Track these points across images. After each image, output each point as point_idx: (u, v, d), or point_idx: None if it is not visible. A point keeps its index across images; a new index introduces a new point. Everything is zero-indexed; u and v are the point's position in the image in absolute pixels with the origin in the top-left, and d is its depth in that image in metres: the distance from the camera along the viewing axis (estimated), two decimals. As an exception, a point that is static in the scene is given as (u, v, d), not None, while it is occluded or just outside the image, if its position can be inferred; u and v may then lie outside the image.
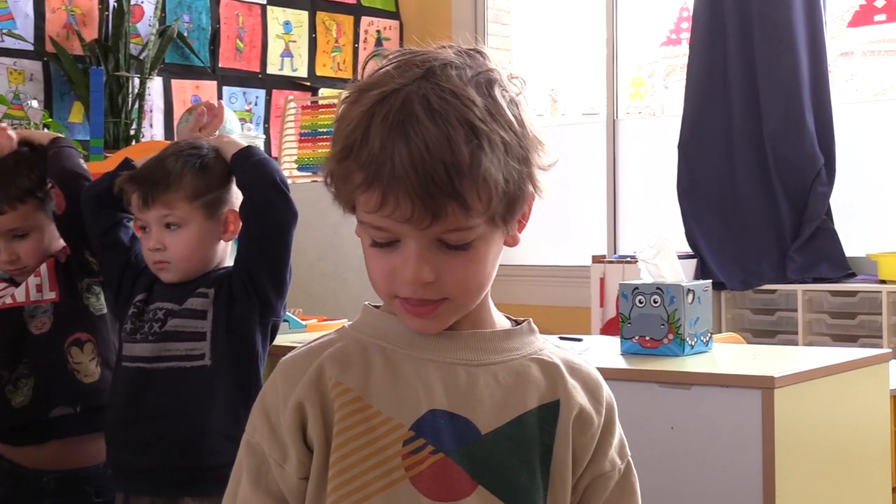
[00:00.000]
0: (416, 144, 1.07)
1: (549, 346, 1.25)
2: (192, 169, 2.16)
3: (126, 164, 2.28)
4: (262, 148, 4.26)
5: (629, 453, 1.26)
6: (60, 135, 2.54)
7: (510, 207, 1.14)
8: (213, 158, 2.20)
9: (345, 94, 1.19)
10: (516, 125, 1.13)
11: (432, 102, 1.10)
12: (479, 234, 1.13)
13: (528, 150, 1.15)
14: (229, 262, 2.24)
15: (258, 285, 2.14)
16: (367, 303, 1.25)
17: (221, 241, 2.20)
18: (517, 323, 1.26)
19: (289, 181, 2.21)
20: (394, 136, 1.08)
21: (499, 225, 1.14)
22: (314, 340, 1.24)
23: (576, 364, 1.24)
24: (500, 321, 1.25)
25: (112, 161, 3.37)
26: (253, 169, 2.16)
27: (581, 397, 1.21)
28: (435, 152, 1.07)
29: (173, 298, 2.16)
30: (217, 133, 2.34)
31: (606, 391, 1.25)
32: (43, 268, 2.38)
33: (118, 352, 2.22)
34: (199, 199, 2.15)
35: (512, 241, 1.19)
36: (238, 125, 4.37)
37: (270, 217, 2.14)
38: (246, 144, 2.24)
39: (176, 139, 2.39)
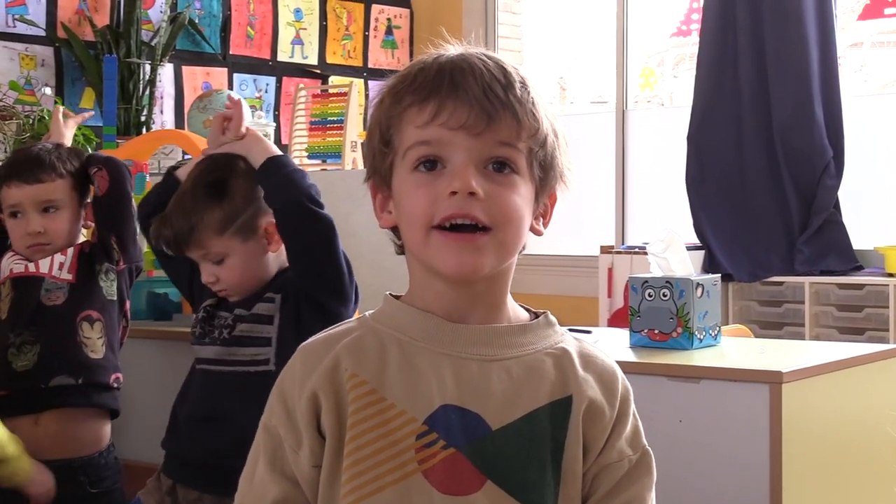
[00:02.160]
0: (475, 64, 1.17)
1: (567, 338, 1.25)
2: (210, 203, 2.07)
3: (170, 174, 2.27)
4: (272, 136, 4.30)
5: (645, 444, 1.25)
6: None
7: (545, 167, 1.21)
8: (233, 178, 2.10)
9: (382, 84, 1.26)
10: (548, 106, 1.23)
11: (485, 52, 1.21)
12: (521, 168, 1.18)
13: (558, 130, 1.23)
14: None
15: (318, 300, 2.06)
16: (388, 293, 1.26)
17: (270, 253, 2.12)
18: (536, 316, 1.26)
19: (317, 188, 2.08)
20: (451, 65, 1.18)
21: (535, 179, 1.20)
22: (334, 327, 1.26)
23: (591, 355, 1.24)
24: (518, 315, 1.25)
25: (123, 150, 3.39)
26: (277, 190, 2.05)
27: (593, 390, 1.21)
28: (493, 72, 1.17)
29: (242, 304, 2.12)
30: (243, 126, 2.20)
31: (622, 382, 1.25)
32: (70, 250, 2.47)
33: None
34: (229, 230, 2.07)
35: (537, 228, 1.24)
36: (249, 113, 4.39)
37: (303, 238, 2.04)
38: (273, 152, 2.12)
39: (206, 148, 2.29)
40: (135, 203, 2.47)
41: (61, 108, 2.80)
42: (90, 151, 2.66)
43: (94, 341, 2.40)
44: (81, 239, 2.55)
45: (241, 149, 2.16)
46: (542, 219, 1.25)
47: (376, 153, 1.22)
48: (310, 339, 1.25)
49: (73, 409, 2.38)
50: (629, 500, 1.21)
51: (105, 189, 2.44)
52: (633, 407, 1.25)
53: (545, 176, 1.21)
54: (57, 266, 2.44)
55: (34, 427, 2.36)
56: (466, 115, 1.14)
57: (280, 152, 2.15)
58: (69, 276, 2.44)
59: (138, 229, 2.45)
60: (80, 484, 2.37)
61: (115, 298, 2.48)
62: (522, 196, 1.18)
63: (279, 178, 2.07)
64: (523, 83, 1.19)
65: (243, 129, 2.18)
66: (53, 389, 2.36)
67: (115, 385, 2.45)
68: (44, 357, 2.37)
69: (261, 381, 2.04)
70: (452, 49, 1.21)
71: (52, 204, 2.44)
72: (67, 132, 2.75)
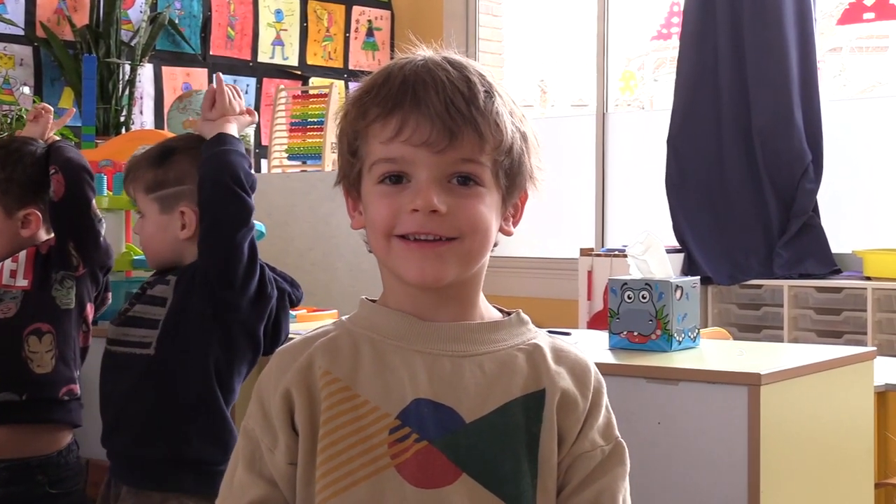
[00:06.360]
0: (438, 77, 1.17)
1: (541, 336, 1.27)
2: (150, 161, 2.16)
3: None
4: (251, 137, 4.29)
5: (618, 435, 1.26)
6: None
7: (512, 175, 1.21)
8: (180, 154, 2.15)
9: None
10: (515, 107, 1.23)
11: (450, 59, 1.21)
12: (486, 180, 1.19)
13: (526, 132, 1.23)
14: None
15: (209, 280, 2.06)
16: (363, 297, 1.28)
17: (183, 237, 2.14)
18: (508, 314, 1.28)
19: (252, 178, 2.11)
20: (415, 77, 1.18)
21: (500, 187, 1.21)
22: (312, 331, 1.28)
23: (564, 350, 1.26)
24: (490, 314, 1.27)
25: (102, 150, 3.37)
26: (208, 163, 2.09)
27: (565, 381, 1.23)
28: (456, 84, 1.17)
29: (151, 282, 2.17)
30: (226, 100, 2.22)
31: (594, 375, 1.26)
32: (22, 255, 2.38)
33: None
34: (154, 193, 2.14)
35: (507, 230, 1.25)
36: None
37: (213, 215, 2.05)
38: (228, 132, 2.16)
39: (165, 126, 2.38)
40: (95, 206, 2.39)
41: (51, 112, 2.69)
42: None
43: (41, 355, 2.33)
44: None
45: (208, 129, 2.20)
46: (511, 220, 1.26)
47: (345, 161, 1.25)
48: (287, 343, 1.29)
49: (24, 424, 2.32)
50: (602, 490, 1.23)
51: (60, 194, 2.34)
52: (605, 400, 1.27)
53: (511, 183, 1.23)
54: (8, 274, 2.36)
55: None
56: (429, 132, 1.16)
57: (236, 134, 2.18)
58: (24, 283, 2.36)
59: (102, 231, 2.41)
60: (38, 483, 2.31)
61: (71, 307, 2.38)
62: (488, 205, 1.20)
63: (216, 152, 2.11)
64: (488, 92, 1.20)
65: (228, 106, 2.21)
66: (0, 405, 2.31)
67: (67, 398, 2.37)
68: None
69: (141, 365, 2.08)
70: (421, 54, 1.22)
71: None
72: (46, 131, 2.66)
